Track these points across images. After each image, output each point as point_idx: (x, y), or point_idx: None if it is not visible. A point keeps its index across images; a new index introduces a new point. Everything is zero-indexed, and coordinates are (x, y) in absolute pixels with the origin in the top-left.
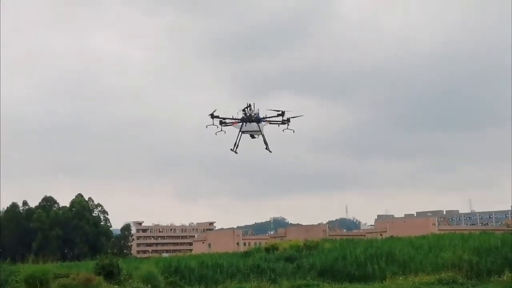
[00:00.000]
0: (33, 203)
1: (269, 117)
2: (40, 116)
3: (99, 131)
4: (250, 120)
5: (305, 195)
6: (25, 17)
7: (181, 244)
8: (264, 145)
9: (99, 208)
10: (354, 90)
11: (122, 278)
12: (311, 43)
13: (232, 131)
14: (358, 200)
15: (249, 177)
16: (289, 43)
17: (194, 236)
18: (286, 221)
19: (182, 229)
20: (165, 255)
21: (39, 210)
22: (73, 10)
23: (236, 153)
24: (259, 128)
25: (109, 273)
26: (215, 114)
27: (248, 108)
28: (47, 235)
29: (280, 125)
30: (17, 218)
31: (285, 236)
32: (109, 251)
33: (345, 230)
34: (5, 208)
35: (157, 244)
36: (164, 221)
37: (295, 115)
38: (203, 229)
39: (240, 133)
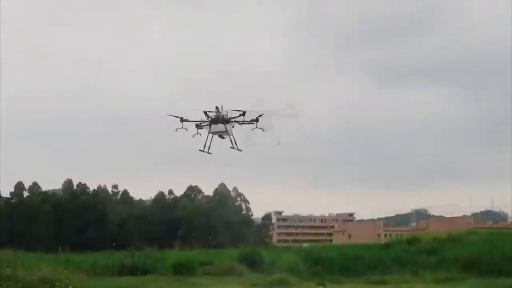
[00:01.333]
0: (179, 192)
1: (233, 117)
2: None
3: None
4: (217, 121)
5: (448, 186)
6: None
7: (321, 234)
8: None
9: (241, 197)
10: (489, 79)
11: (264, 267)
12: (443, 30)
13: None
14: (505, 192)
15: (389, 167)
16: (421, 30)
17: (333, 227)
18: (428, 213)
19: (321, 219)
20: (305, 245)
21: (184, 199)
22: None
23: (209, 153)
24: (226, 128)
25: (252, 262)
26: (184, 118)
27: (216, 110)
28: (192, 223)
29: (247, 124)
30: (164, 207)
31: (427, 228)
32: (250, 239)
33: (490, 222)
34: (153, 197)
35: (297, 233)
36: (303, 211)
37: (261, 114)
38: (343, 220)
39: (209, 134)
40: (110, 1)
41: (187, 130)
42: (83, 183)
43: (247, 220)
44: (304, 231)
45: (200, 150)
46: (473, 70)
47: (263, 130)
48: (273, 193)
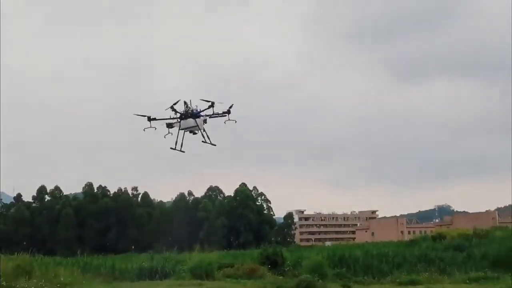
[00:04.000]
0: (199, 193)
1: (203, 110)
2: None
3: (261, 121)
4: (187, 116)
5: (471, 181)
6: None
7: (343, 232)
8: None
9: (262, 197)
10: None
11: (286, 269)
12: (462, 24)
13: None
14: None
15: (410, 163)
16: (440, 24)
17: (356, 225)
18: (452, 208)
19: (344, 218)
20: (328, 243)
21: (205, 200)
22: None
23: (183, 151)
24: (197, 123)
25: (274, 263)
26: (152, 117)
27: (185, 106)
28: (213, 224)
29: (219, 117)
30: (185, 208)
31: (451, 224)
32: (272, 239)
33: None
34: (174, 199)
35: (319, 232)
36: (325, 210)
37: (231, 105)
38: (366, 218)
39: (179, 131)
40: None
41: (155, 129)
42: (103, 186)
43: (269, 220)
44: (326, 229)
45: (171, 148)
46: (497, 63)
47: (235, 122)
48: (294, 192)
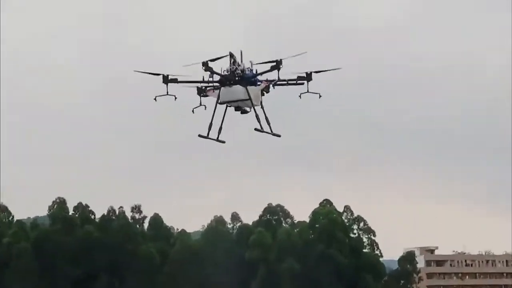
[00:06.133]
0: (249, 216)
1: (261, 73)
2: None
3: (358, 100)
4: (232, 80)
5: None
6: None
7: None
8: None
9: (361, 225)
10: None
11: None
12: None
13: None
14: None
15: None
16: None
17: None
18: None
19: (505, 261)
20: None
21: (259, 229)
22: None
23: (222, 141)
24: (249, 94)
25: None
26: (171, 76)
27: (232, 61)
28: (275, 269)
29: (292, 85)
30: (225, 243)
31: None
32: None
33: None
34: (205, 226)
35: (464, 286)
36: (471, 247)
37: (323, 70)
38: None
39: (217, 105)
40: None
41: (175, 98)
42: (84, 204)
43: (373, 264)
44: (475, 282)
45: (200, 135)
46: None
47: (320, 95)
48: (416, 218)
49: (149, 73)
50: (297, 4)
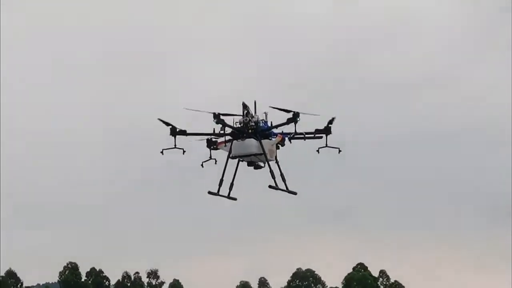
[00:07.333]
0: (278, 282)
1: (277, 126)
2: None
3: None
4: (245, 133)
5: None
6: None
7: None
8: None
9: None
10: None
11: None
12: None
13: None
14: None
15: None
16: None
17: None
18: None
19: None
20: None
21: None
22: None
23: (234, 199)
24: (263, 148)
25: None
26: (178, 128)
27: (245, 112)
28: None
29: (311, 138)
30: None
31: None
32: None
33: None
34: None
35: None
36: None
37: (333, 118)
38: None
39: (229, 159)
40: None
41: (184, 152)
42: (97, 269)
43: None
44: None
45: (210, 192)
46: None
47: (340, 150)
48: (458, 285)
49: (163, 122)
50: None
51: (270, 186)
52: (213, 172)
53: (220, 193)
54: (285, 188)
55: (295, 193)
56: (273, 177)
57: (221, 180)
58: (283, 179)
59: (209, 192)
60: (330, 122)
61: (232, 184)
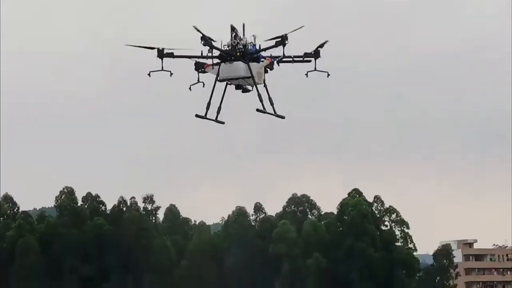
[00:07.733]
0: (273, 207)
1: (265, 49)
2: None
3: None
4: (233, 56)
5: None
6: None
7: None
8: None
9: (393, 216)
10: None
11: None
12: None
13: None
14: None
15: None
16: None
17: None
18: None
19: None
20: None
21: (283, 221)
22: None
23: (221, 122)
24: (251, 71)
25: None
26: (166, 51)
27: (234, 35)
28: (300, 264)
29: (299, 62)
30: (247, 236)
31: None
32: None
33: None
34: (225, 218)
35: (504, 283)
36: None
37: (322, 43)
38: None
39: (217, 81)
40: None
41: (171, 74)
42: (93, 194)
43: (407, 259)
44: None
45: (197, 115)
46: None
47: (328, 74)
48: (452, 208)
49: (143, 47)
50: None
51: (257, 110)
52: (200, 96)
53: (208, 116)
54: (273, 112)
55: (283, 117)
56: (261, 100)
57: (209, 103)
58: (271, 103)
59: (197, 115)
60: (321, 45)
61: (219, 108)
